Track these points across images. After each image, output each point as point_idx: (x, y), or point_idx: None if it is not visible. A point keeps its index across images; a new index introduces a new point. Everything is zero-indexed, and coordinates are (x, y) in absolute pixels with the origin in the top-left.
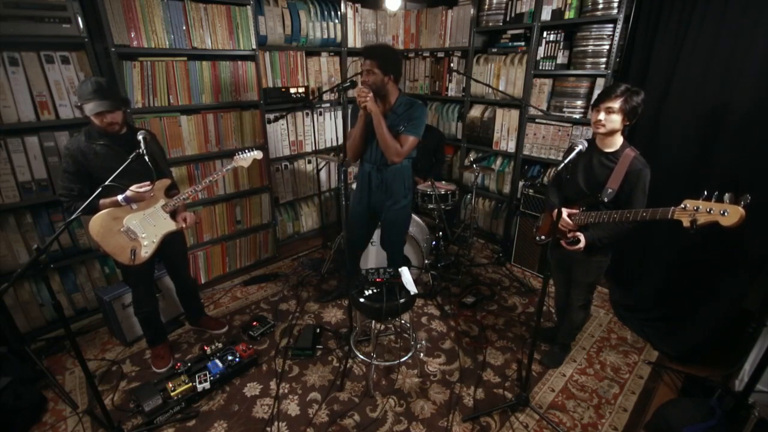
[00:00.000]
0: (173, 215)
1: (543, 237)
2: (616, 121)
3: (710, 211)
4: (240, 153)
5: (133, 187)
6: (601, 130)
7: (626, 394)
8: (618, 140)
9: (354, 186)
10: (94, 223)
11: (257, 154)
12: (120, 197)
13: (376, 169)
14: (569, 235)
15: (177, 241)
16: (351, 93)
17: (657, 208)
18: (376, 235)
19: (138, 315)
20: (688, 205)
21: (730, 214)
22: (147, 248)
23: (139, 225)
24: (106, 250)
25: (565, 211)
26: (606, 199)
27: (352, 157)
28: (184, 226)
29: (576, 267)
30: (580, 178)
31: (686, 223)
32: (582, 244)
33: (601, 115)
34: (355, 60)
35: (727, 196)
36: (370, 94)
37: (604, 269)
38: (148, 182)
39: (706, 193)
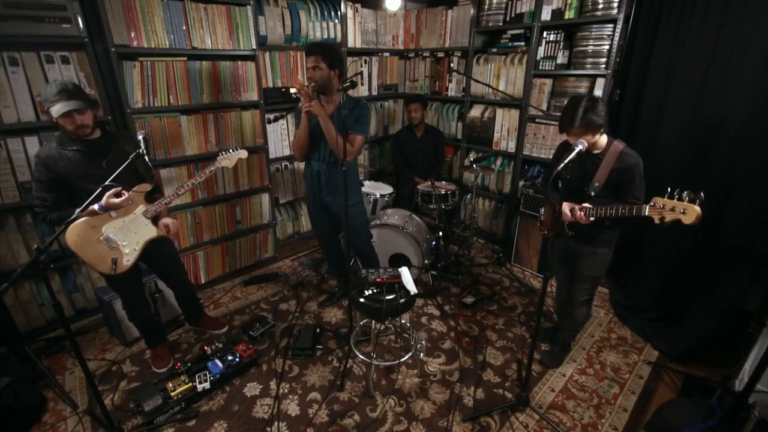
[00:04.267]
0: (155, 221)
1: (546, 231)
2: (588, 138)
3: (673, 209)
4: (223, 153)
5: (108, 196)
6: (581, 146)
7: (626, 394)
8: (602, 141)
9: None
10: (70, 233)
11: (242, 154)
12: (96, 206)
13: (325, 167)
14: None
15: (165, 247)
16: (351, 93)
17: (633, 205)
18: (376, 234)
19: (132, 321)
20: (657, 203)
21: (688, 213)
22: (129, 256)
23: (119, 233)
24: (85, 261)
25: (566, 205)
26: (593, 193)
27: (298, 157)
28: (165, 234)
29: (581, 261)
30: (572, 176)
31: (657, 220)
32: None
33: (573, 140)
34: (355, 60)
35: (685, 194)
36: (314, 101)
37: (608, 262)
38: (121, 189)
39: (669, 190)
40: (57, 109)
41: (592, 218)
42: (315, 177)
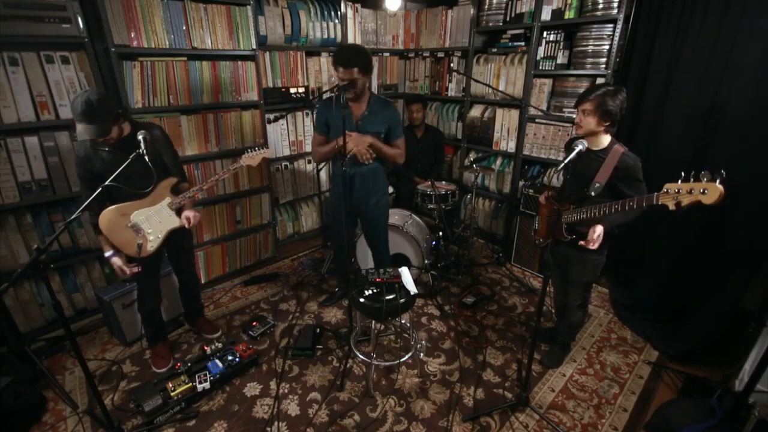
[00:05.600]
0: (179, 212)
1: (542, 240)
2: (590, 122)
3: (691, 191)
4: (249, 151)
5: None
6: (579, 131)
7: (626, 394)
8: (604, 140)
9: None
10: (103, 218)
11: (266, 153)
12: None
13: (359, 170)
14: (588, 239)
15: (184, 238)
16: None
17: (642, 196)
18: None
19: (141, 311)
20: (669, 189)
21: (709, 192)
22: (152, 243)
23: (145, 221)
24: (114, 244)
25: (542, 196)
26: (593, 193)
27: (320, 163)
28: (187, 225)
29: (572, 266)
30: (572, 176)
31: (672, 206)
32: (597, 234)
33: (578, 117)
34: None
35: (703, 173)
36: (373, 154)
37: (600, 268)
38: (136, 265)
39: (683, 174)
40: (78, 132)
41: (598, 231)
42: (347, 180)
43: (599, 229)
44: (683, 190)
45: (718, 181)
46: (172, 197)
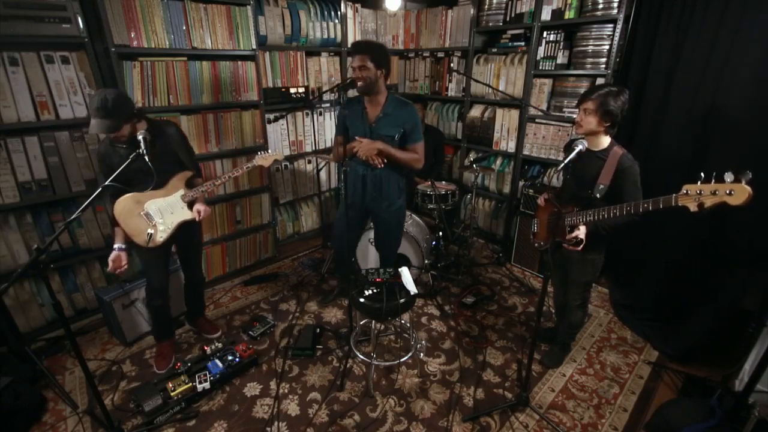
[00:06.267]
0: (191, 205)
1: (542, 243)
2: (591, 122)
3: (715, 192)
4: (261, 152)
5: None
6: (579, 130)
7: (626, 394)
8: (604, 140)
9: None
10: (118, 204)
11: (277, 155)
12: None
13: (371, 171)
14: (568, 237)
15: (194, 233)
16: (351, 93)
17: (658, 198)
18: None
19: (148, 307)
20: (689, 190)
21: (736, 193)
22: (162, 233)
23: (157, 211)
24: (126, 231)
25: (541, 198)
26: (598, 195)
27: (337, 162)
28: (197, 217)
29: (571, 266)
30: (572, 177)
31: (693, 207)
32: (581, 235)
33: (579, 115)
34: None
35: (727, 175)
36: (384, 160)
37: (599, 268)
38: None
39: (703, 175)
40: (90, 126)
41: (582, 225)
42: (360, 180)
43: (582, 229)
44: (706, 191)
45: (744, 181)
46: (186, 190)
